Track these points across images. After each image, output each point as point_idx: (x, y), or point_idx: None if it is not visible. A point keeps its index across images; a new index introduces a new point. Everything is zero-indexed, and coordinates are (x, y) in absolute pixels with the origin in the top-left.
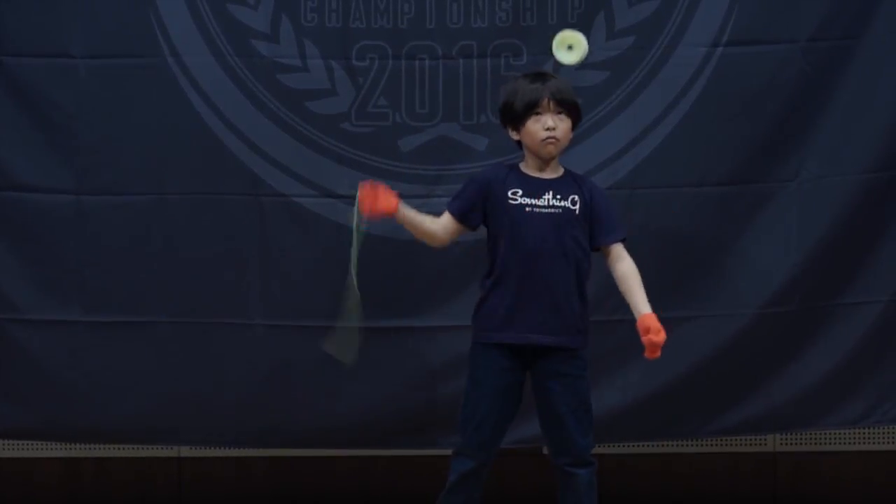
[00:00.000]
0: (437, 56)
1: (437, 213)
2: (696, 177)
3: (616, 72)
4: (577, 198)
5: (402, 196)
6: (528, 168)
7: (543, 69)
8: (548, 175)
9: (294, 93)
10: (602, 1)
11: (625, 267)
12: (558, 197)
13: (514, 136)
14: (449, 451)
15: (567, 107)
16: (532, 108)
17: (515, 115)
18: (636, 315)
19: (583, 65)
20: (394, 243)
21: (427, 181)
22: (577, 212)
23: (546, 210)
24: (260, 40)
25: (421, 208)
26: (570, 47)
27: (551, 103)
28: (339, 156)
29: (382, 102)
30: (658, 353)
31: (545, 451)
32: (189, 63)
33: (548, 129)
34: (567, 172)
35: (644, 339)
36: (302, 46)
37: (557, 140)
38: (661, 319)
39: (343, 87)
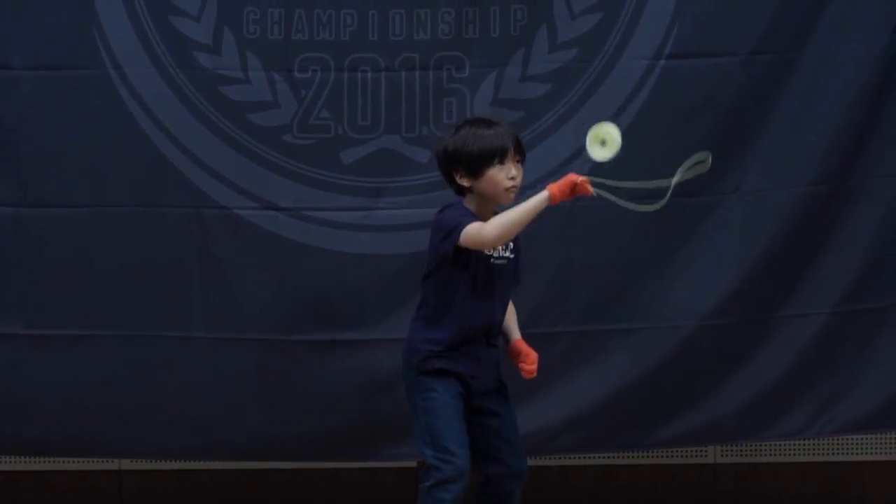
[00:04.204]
0: (379, 68)
1: (380, 226)
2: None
3: (558, 84)
4: (513, 245)
5: (345, 209)
6: (483, 211)
7: (492, 118)
8: None
9: (236, 105)
10: (544, 14)
11: (511, 305)
12: (504, 246)
13: (464, 181)
14: (389, 464)
15: (523, 155)
16: (496, 156)
17: (473, 161)
18: (509, 340)
19: (526, 77)
20: (337, 256)
21: (369, 193)
22: (513, 259)
23: (498, 261)
24: (202, 52)
25: (363, 220)
26: (603, 143)
27: (515, 153)
28: (281, 168)
29: (324, 114)
30: (534, 373)
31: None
32: (130, 74)
33: (511, 178)
34: None
35: (518, 364)
36: (244, 58)
37: (517, 188)
38: (603, 332)
39: (285, 100)
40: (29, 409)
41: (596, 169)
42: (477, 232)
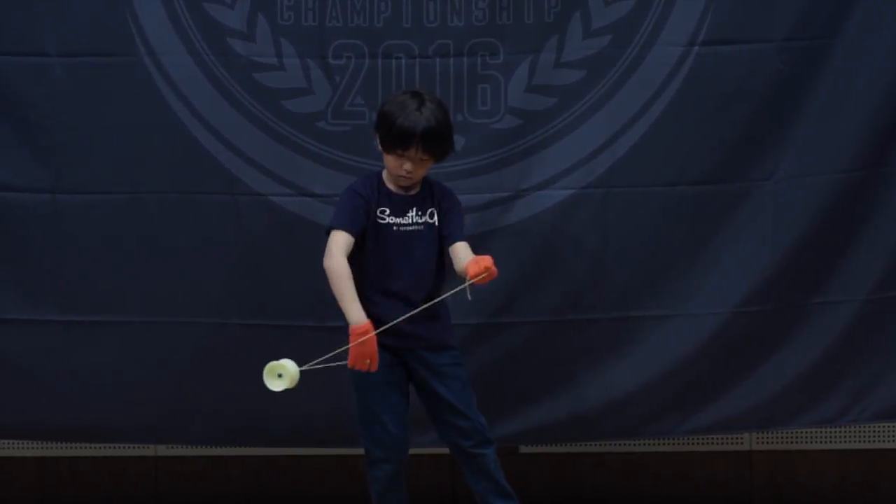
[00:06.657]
0: (413, 55)
1: None
2: (671, 176)
3: (592, 71)
4: (434, 210)
5: None
6: (392, 184)
7: (429, 92)
8: (410, 191)
9: (270, 91)
10: (578, 0)
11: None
12: (420, 213)
13: (379, 147)
14: (422, 450)
15: (434, 151)
16: (399, 146)
17: (383, 140)
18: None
19: (559, 63)
20: None
21: None
22: (435, 224)
23: (411, 228)
24: (236, 39)
25: None
26: (279, 375)
27: (419, 151)
28: (315, 154)
29: (358, 101)
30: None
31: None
32: (165, 62)
33: (406, 170)
34: (425, 183)
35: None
36: (278, 45)
37: (412, 179)
38: (637, 318)
39: (319, 86)
40: (63, 394)
41: (625, 162)
42: (327, 253)
